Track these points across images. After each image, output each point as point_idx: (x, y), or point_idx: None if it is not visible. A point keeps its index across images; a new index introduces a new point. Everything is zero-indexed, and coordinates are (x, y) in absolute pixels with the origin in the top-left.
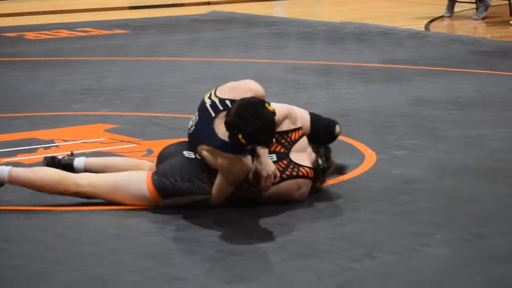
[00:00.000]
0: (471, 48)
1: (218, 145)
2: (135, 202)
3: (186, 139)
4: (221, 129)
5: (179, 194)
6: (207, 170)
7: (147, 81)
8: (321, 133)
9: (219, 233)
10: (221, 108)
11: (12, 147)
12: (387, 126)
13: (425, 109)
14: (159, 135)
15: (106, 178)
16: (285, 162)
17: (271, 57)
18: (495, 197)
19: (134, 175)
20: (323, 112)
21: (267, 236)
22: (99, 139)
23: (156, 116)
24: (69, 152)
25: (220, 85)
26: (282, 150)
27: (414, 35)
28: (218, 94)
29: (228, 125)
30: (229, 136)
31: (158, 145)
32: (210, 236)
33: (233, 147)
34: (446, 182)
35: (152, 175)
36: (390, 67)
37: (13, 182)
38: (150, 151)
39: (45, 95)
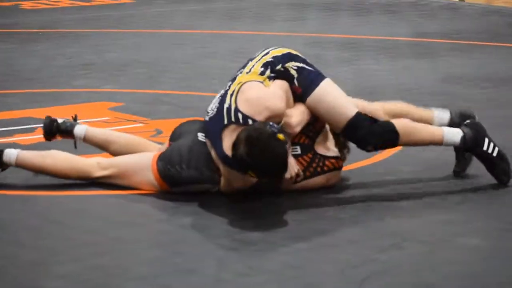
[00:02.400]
0: (510, 21)
1: (222, 157)
2: (148, 188)
3: (202, 118)
4: (227, 142)
5: (186, 183)
6: None
7: (154, 55)
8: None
9: (233, 221)
10: (233, 119)
11: (8, 127)
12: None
13: (458, 86)
14: (169, 115)
15: (117, 162)
16: (309, 155)
17: (290, 30)
18: None
19: (140, 160)
20: (347, 90)
21: (285, 224)
22: (103, 118)
23: (165, 94)
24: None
25: (248, 77)
26: (307, 141)
27: (447, 6)
28: (238, 99)
29: (236, 160)
30: (234, 159)
31: (168, 125)
32: (224, 224)
33: (237, 168)
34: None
35: (157, 161)
36: (421, 41)
37: (20, 166)
38: (159, 131)
39: (42, 70)
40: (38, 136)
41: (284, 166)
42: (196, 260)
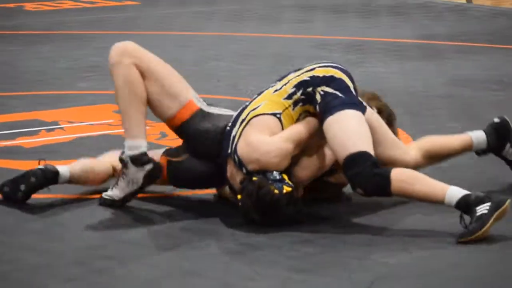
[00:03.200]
0: None
1: (228, 183)
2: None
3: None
4: (229, 171)
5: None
6: None
7: (159, 57)
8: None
9: (239, 224)
10: (232, 156)
11: (11, 129)
12: (424, 108)
13: (466, 89)
14: None
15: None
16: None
17: (297, 32)
18: None
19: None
20: None
21: (292, 228)
22: (107, 121)
23: None
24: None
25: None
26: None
27: (454, 8)
28: (243, 134)
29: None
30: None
31: None
32: (230, 228)
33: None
34: (490, 170)
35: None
36: (428, 43)
37: (73, 182)
38: (163, 134)
39: (47, 72)
40: (42, 138)
41: (296, 217)
42: (202, 264)
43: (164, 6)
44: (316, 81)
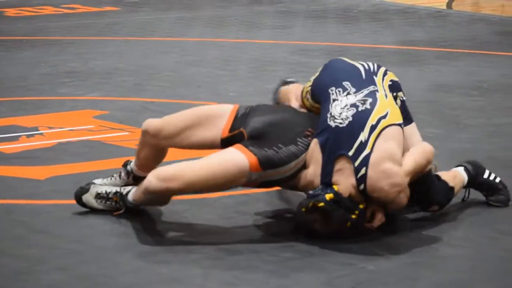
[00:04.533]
0: (498, 29)
1: (324, 180)
2: (232, 182)
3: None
4: (338, 167)
5: (283, 164)
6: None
7: (139, 63)
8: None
9: (219, 230)
10: (356, 164)
11: None
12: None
13: (446, 95)
14: None
15: (197, 168)
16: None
17: (277, 38)
18: None
19: (226, 154)
20: None
21: (272, 234)
22: (87, 127)
23: (150, 102)
24: None
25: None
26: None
27: (434, 14)
28: (375, 149)
29: (299, 210)
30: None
31: None
32: (209, 233)
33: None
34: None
35: (248, 147)
36: (408, 49)
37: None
38: None
39: (27, 78)
40: (22, 144)
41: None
42: (182, 270)
43: (144, 12)
44: (396, 86)
